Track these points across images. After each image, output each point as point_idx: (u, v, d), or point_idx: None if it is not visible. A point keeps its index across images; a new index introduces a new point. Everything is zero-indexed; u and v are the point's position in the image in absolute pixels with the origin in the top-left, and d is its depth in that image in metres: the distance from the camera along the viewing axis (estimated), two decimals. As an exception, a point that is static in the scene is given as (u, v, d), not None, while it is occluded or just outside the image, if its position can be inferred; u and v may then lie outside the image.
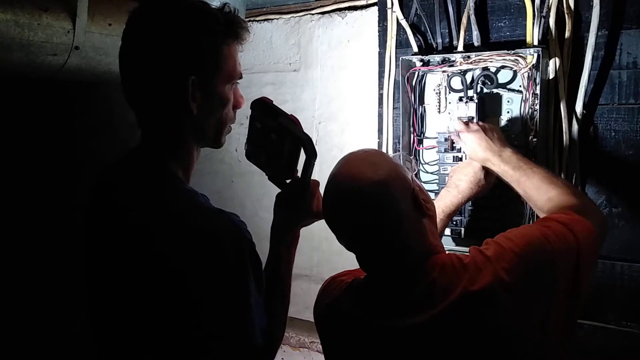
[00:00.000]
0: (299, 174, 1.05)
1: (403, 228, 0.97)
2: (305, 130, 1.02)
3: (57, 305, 2.35)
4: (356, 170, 0.98)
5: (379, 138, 1.67)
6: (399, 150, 1.56)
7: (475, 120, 1.39)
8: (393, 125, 1.62)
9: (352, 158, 1.03)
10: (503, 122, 1.43)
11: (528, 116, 1.37)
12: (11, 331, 2.26)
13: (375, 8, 1.71)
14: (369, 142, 1.79)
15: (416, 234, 0.99)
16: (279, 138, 1.02)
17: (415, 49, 1.57)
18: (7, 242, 2.26)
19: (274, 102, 1.07)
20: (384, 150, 1.64)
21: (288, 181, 1.06)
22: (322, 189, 1.08)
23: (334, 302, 1.07)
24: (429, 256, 0.98)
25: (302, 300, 1.85)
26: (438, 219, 1.20)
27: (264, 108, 1.05)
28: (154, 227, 0.92)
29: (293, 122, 1.02)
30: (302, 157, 1.02)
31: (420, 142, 1.56)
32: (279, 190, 1.10)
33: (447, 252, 1.02)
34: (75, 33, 1.76)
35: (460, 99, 1.44)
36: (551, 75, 1.37)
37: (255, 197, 2.16)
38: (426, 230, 1.00)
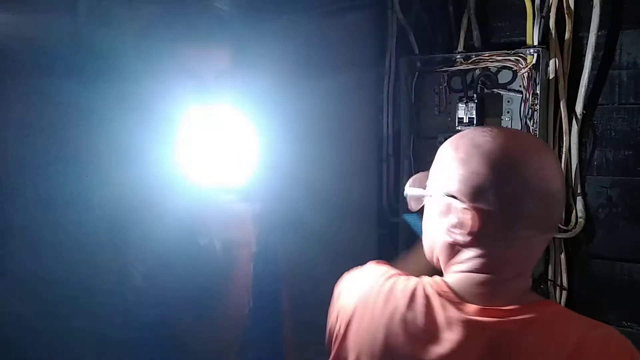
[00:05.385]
0: None
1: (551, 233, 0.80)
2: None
3: (57, 304, 2.34)
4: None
5: (379, 138, 1.67)
6: None
7: None
8: (393, 125, 1.62)
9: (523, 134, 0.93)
10: (503, 122, 1.43)
11: (528, 116, 1.37)
12: (11, 330, 2.25)
13: (375, 8, 1.71)
14: (369, 142, 1.79)
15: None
16: None
17: (416, 49, 1.57)
18: (7, 240, 2.26)
19: None
20: (383, 151, 1.64)
21: None
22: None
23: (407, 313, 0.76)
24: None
25: (303, 300, 1.84)
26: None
27: None
28: None
29: None
30: None
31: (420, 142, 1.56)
32: None
33: None
34: (75, 32, 1.76)
35: (460, 99, 1.44)
36: (551, 75, 1.37)
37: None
38: None
